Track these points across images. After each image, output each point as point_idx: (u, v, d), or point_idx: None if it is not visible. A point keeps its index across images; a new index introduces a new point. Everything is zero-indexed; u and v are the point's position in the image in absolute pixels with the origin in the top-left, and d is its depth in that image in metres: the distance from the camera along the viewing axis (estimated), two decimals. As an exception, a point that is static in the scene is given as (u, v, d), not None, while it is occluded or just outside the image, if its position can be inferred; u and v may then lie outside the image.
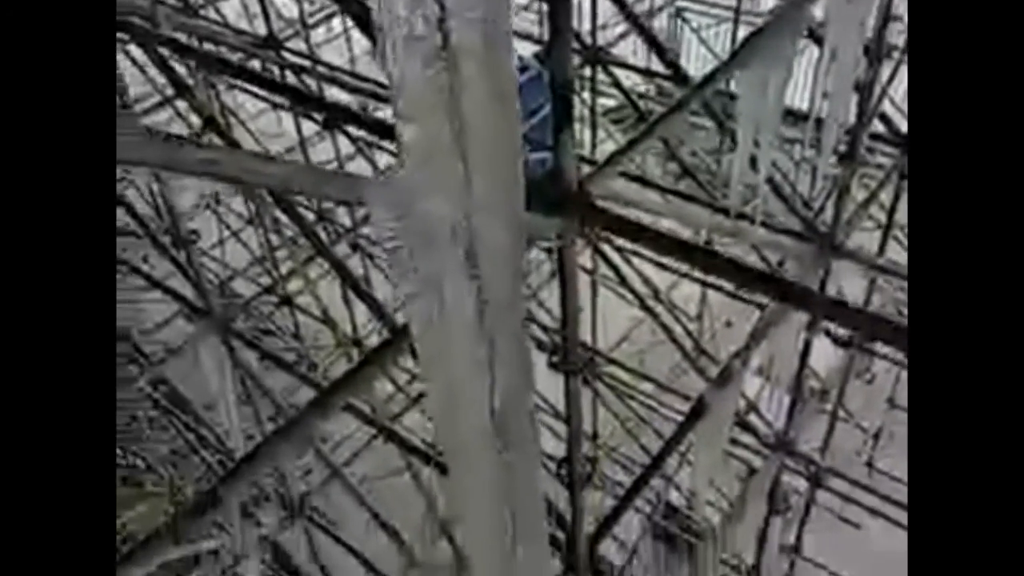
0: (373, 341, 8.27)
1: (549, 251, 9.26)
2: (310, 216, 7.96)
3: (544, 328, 6.56)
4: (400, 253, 0.85)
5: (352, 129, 6.93)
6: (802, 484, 6.27)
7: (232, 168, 1.22)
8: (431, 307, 0.88)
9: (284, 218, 9.18)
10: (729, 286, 7.52)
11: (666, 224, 2.42)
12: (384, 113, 5.93)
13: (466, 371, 0.96)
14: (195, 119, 8.51)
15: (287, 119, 10.46)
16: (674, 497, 7.91)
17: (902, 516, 5.63)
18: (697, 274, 7.41)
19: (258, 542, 5.74)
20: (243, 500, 6.89)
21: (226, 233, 9.51)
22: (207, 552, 6.13)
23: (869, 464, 8.63)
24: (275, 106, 10.14)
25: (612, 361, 6.98)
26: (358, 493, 5.24)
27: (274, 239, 9.05)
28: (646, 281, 5.97)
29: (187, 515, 1.93)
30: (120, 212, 5.09)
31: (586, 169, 2.14)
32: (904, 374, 8.03)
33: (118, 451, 8.52)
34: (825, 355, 5.59)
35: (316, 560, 5.93)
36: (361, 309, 7.44)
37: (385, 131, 2.38)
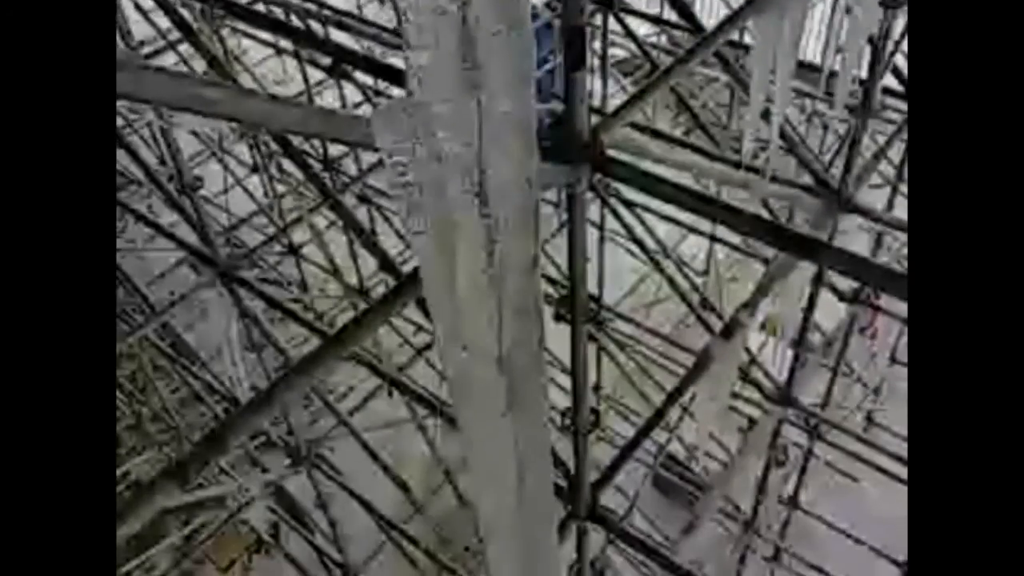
0: (379, 292, 8.28)
1: (556, 204, 9.25)
2: (316, 166, 7.91)
3: (551, 281, 6.57)
4: (410, 192, 0.84)
5: (359, 76, 6.85)
6: (800, 437, 6.34)
7: (240, 109, 1.20)
8: (440, 248, 0.88)
9: (289, 167, 9.16)
10: (736, 241, 7.51)
11: (676, 176, 2.40)
12: (392, 59, 5.86)
13: (475, 315, 0.96)
14: (199, 64, 8.42)
15: (292, 66, 10.34)
16: (676, 448, 8.00)
17: (899, 470, 5.69)
18: (704, 228, 7.40)
19: (264, 488, 5.84)
20: (248, 447, 6.99)
21: (231, 181, 9.47)
22: (213, 498, 6.24)
23: (868, 418, 8.70)
24: (280, 52, 10.02)
25: (618, 315, 7.00)
26: (364, 442, 5.30)
27: (280, 188, 9.03)
28: (653, 235, 5.95)
29: (191, 460, 1.94)
30: (124, 158, 5.06)
31: (597, 119, 2.11)
32: (906, 329, 8.05)
33: (123, 399, 8.62)
34: (829, 311, 5.59)
35: (323, 508, 6.03)
36: (367, 261, 7.47)
37: (393, 77, 2.35)
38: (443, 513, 7.64)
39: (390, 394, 8.64)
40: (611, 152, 2.06)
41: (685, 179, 2.20)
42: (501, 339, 1.00)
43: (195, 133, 8.77)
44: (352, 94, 8.11)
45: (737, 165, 2.89)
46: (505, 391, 1.09)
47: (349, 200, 7.87)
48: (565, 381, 3.34)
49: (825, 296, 4.65)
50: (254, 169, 9.69)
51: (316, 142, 8.13)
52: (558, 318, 5.90)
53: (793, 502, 7.37)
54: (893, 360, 8.86)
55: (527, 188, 0.91)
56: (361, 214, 8.14)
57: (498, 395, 1.09)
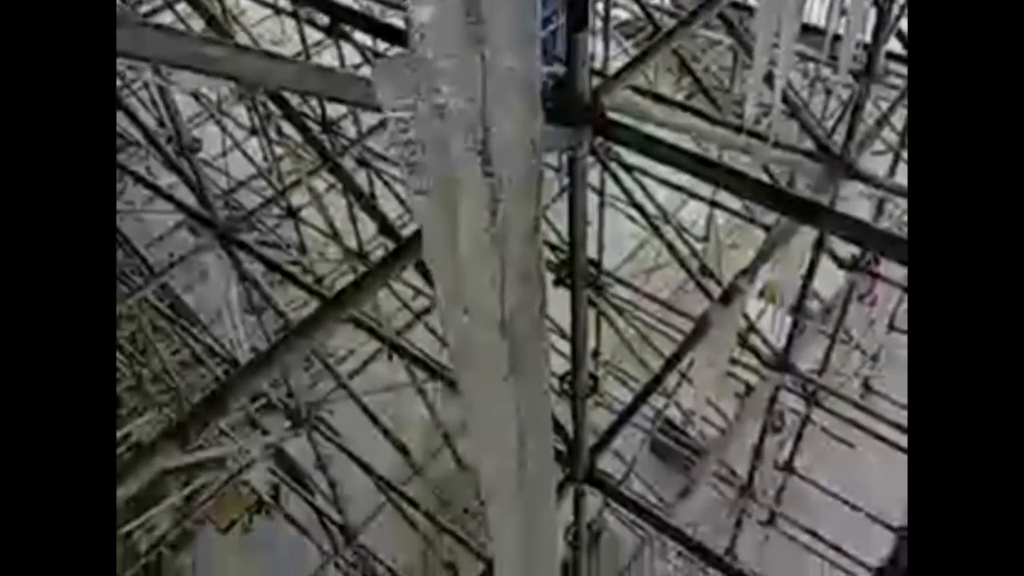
0: (379, 256, 8.26)
1: (557, 169, 9.20)
2: (315, 128, 7.84)
3: (551, 247, 6.56)
4: (411, 150, 0.83)
5: (358, 36, 6.77)
6: (798, 403, 6.38)
7: (238, 66, 1.19)
8: (442, 208, 0.87)
9: (288, 130, 9.09)
10: (736, 207, 7.49)
11: (677, 141, 2.38)
12: (392, 19, 5.79)
13: (476, 278, 0.95)
14: (197, 24, 8.31)
15: (290, 27, 10.22)
16: (673, 414, 8.05)
17: (896, 437, 5.73)
18: (705, 193, 7.37)
19: (264, 450, 5.88)
20: (249, 409, 7.04)
21: (229, 144, 9.40)
22: (213, 460, 6.29)
23: (866, 385, 8.74)
24: (278, 12, 9.88)
25: (617, 280, 7.00)
26: (364, 405, 5.33)
27: (278, 151, 8.97)
28: (653, 200, 5.92)
29: (192, 421, 1.95)
30: (123, 120, 5.03)
31: (598, 81, 2.09)
32: (905, 296, 8.06)
33: (123, 360, 8.66)
34: (828, 278, 5.59)
35: (323, 470, 6.08)
36: (366, 224, 7.45)
37: (393, 36, 2.32)
38: (442, 476, 7.72)
39: (390, 358, 8.68)
40: (612, 115, 2.04)
41: (686, 143, 2.19)
42: (503, 302, 1.00)
43: (194, 96, 8.70)
44: (351, 55, 8.02)
45: (739, 130, 2.86)
46: (507, 355, 1.09)
47: (348, 163, 7.82)
48: (564, 347, 3.36)
49: (824, 263, 4.65)
50: (253, 132, 9.63)
51: (315, 104, 8.06)
52: (557, 283, 5.90)
53: (789, 467, 7.44)
54: (892, 327, 8.88)
55: (531, 148, 0.89)
56: (360, 178, 8.10)
57: (500, 359, 1.09)
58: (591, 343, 7.87)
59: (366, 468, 5.48)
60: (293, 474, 7.29)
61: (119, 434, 8.65)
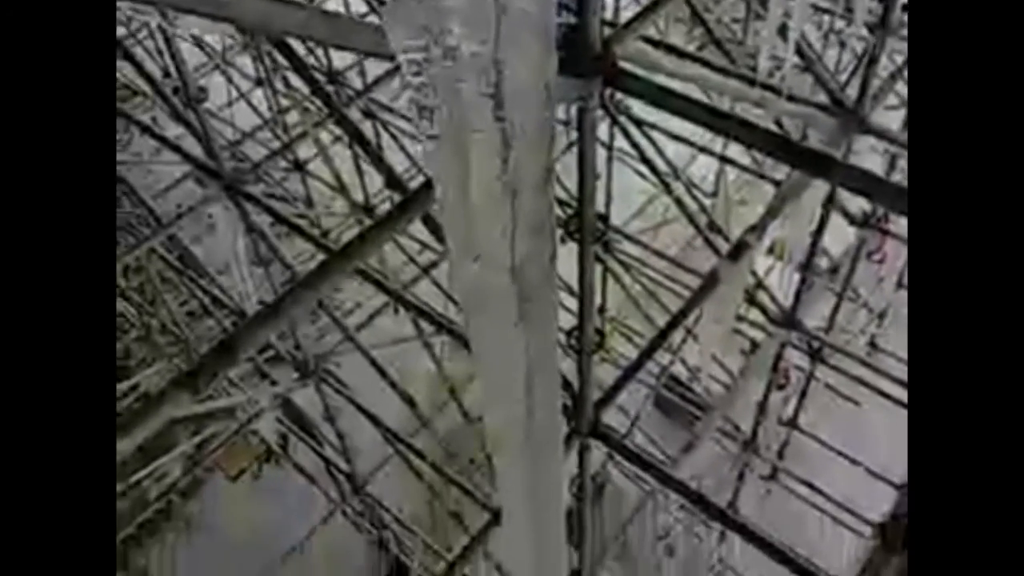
0: (385, 209, 8.24)
1: (565, 122, 9.10)
2: (321, 79, 7.76)
3: (559, 202, 6.51)
4: (423, 94, 0.81)
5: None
6: (803, 360, 6.39)
7: (243, 9, 1.16)
8: (454, 154, 0.86)
9: (294, 81, 9.00)
10: (746, 162, 7.42)
11: (688, 93, 2.34)
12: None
13: (488, 225, 0.95)
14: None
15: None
16: (678, 370, 8.08)
17: (901, 394, 5.75)
18: (716, 148, 7.29)
19: (272, 400, 5.94)
20: (257, 360, 7.09)
21: (235, 95, 9.33)
22: (223, 409, 6.36)
23: (872, 343, 8.75)
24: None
25: (625, 236, 6.97)
26: (371, 358, 5.36)
27: (284, 102, 8.89)
28: (663, 155, 5.87)
29: (201, 370, 1.96)
30: (128, 70, 4.98)
31: (609, 31, 2.05)
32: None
33: (132, 311, 8.71)
34: (837, 235, 5.55)
35: (331, 422, 6.14)
36: (373, 178, 7.41)
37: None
38: (448, 428, 7.79)
39: (396, 311, 8.71)
40: (623, 65, 2.01)
41: (698, 95, 2.15)
42: (514, 250, 0.99)
43: (199, 45, 8.60)
44: (356, 3, 7.89)
45: (752, 82, 2.82)
46: (516, 302, 1.08)
47: (354, 115, 7.75)
48: (571, 303, 3.35)
49: (834, 220, 4.61)
50: (258, 82, 9.53)
51: (320, 55, 7.96)
52: (564, 238, 5.87)
53: (793, 424, 7.49)
54: (900, 285, 8.86)
55: (544, 93, 0.88)
56: (366, 130, 8.04)
57: (509, 306, 1.09)
58: (597, 299, 7.87)
59: (373, 420, 5.53)
60: (301, 425, 7.38)
61: (128, 385, 8.75)
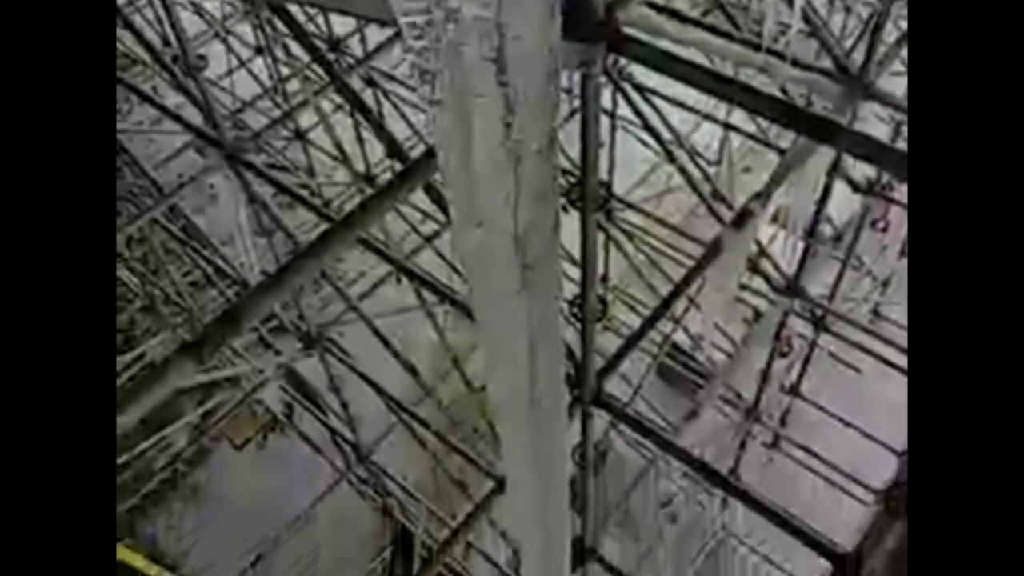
0: (387, 179, 8.21)
1: (568, 90, 9.02)
2: (321, 47, 7.69)
3: (562, 171, 6.47)
4: (425, 58, 0.80)
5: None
6: (806, 328, 6.39)
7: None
8: (457, 119, 0.85)
9: (295, 50, 8.91)
10: (750, 129, 7.36)
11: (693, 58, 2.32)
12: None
13: (491, 192, 0.94)
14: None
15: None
16: (680, 339, 8.08)
17: (904, 362, 5.76)
18: (719, 116, 7.23)
19: (276, 370, 5.97)
20: (261, 331, 7.11)
21: (235, 63, 9.25)
22: (228, 379, 6.39)
23: (875, 311, 8.75)
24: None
25: (628, 204, 6.95)
26: (374, 327, 5.37)
27: (285, 70, 8.82)
28: (666, 123, 5.82)
29: (206, 340, 1.97)
30: (128, 39, 4.93)
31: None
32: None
33: (135, 281, 8.72)
34: (841, 204, 5.53)
35: (335, 391, 6.17)
36: (374, 147, 7.36)
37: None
38: (452, 397, 7.83)
39: (399, 281, 8.71)
40: (627, 30, 1.98)
41: (702, 62, 2.13)
42: (517, 217, 0.99)
43: (198, 13, 8.51)
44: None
45: (757, 47, 2.78)
46: (520, 270, 1.08)
47: (355, 84, 7.69)
48: (573, 273, 3.35)
49: (838, 188, 4.59)
50: (258, 51, 9.45)
51: (321, 22, 7.88)
52: (569, 204, 5.85)
53: (795, 391, 7.51)
54: (903, 253, 8.84)
55: (548, 58, 0.87)
56: (368, 99, 7.98)
57: (512, 273, 1.08)
58: (600, 268, 7.87)
59: (377, 389, 5.55)
60: (305, 394, 7.42)
61: (132, 355, 8.78)
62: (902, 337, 6.15)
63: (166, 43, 8.27)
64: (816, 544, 2.82)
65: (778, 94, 4.70)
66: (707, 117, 7.12)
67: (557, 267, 1.14)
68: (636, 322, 5.71)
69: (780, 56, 2.99)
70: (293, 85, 8.89)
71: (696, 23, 2.91)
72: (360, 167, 8.50)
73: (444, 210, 3.30)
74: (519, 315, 1.15)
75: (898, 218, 9.14)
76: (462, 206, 0.99)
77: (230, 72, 9.43)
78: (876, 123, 5.77)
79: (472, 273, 1.12)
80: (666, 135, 5.59)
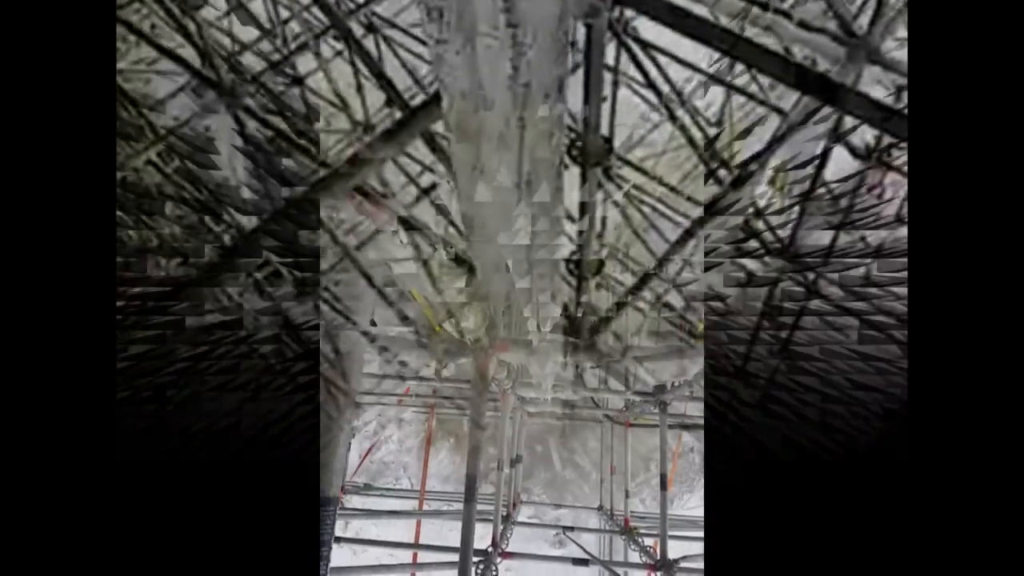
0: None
1: (572, 43, 8.93)
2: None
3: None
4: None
5: None
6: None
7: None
8: (463, 59, 0.85)
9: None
10: (753, 89, 7.29)
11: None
12: None
13: (499, 131, 0.94)
14: None
15: None
16: (673, 298, 8.10)
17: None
18: (722, 77, 7.15)
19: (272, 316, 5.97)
20: (256, 276, 7.10)
21: (233, 2, 9.06)
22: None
23: (867, 278, 8.76)
24: None
25: (626, 162, 6.92)
26: (370, 277, 5.37)
27: (283, 13, 8.67)
28: (668, 80, 5.77)
29: (200, 280, 1.97)
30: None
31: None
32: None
33: (131, 221, 8.66)
34: (838, 169, 5.50)
35: (328, 340, 6.18)
36: (374, 96, 7.27)
37: None
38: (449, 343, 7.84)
39: (396, 232, 8.68)
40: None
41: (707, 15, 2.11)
42: (522, 164, 0.99)
43: (195, -50, 8.32)
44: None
45: (764, 6, 2.76)
46: (523, 219, 1.08)
47: (356, 30, 7.56)
48: (570, 231, 3.36)
49: (836, 152, 4.56)
50: (257, -8, 9.26)
51: (322, -35, 7.72)
52: (568, 162, 5.82)
53: (785, 352, 7.55)
54: (899, 220, 8.84)
55: (558, 1, 0.86)
56: (368, 45, 7.86)
57: (515, 222, 1.09)
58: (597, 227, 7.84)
59: (372, 340, 5.58)
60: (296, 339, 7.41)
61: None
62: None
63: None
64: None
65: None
66: (711, 77, 7.05)
67: (559, 215, 1.14)
68: (631, 281, 5.73)
69: (787, 15, 2.97)
70: (291, 30, 8.76)
71: (704, -22, 2.88)
72: (359, 116, 8.40)
73: (444, 161, 3.30)
74: (520, 260, 1.16)
75: (895, 184, 9.12)
76: (466, 153, 0.99)
77: (229, 12, 9.26)
78: (878, 89, 5.72)
79: (475, 223, 1.12)
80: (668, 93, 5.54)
